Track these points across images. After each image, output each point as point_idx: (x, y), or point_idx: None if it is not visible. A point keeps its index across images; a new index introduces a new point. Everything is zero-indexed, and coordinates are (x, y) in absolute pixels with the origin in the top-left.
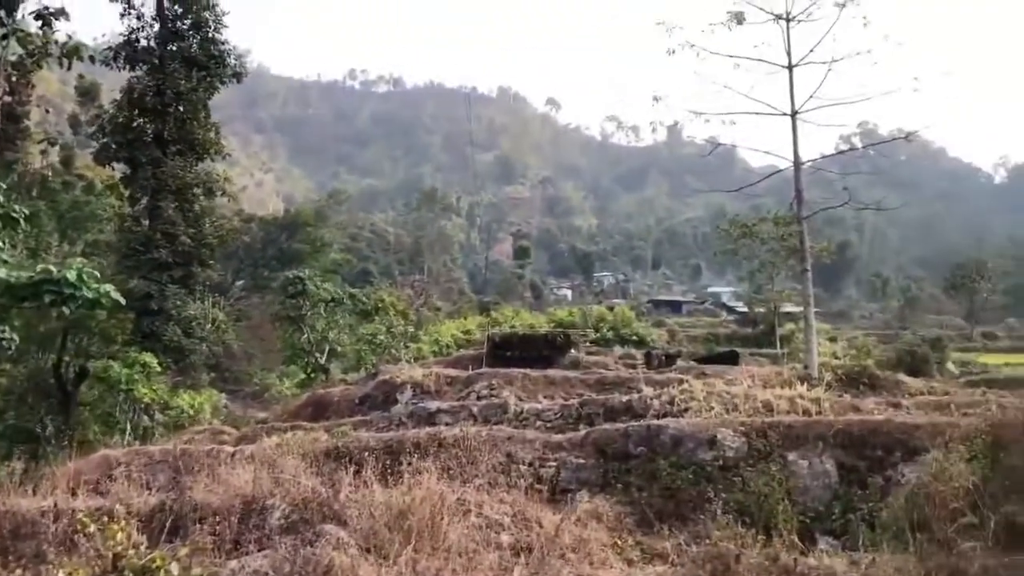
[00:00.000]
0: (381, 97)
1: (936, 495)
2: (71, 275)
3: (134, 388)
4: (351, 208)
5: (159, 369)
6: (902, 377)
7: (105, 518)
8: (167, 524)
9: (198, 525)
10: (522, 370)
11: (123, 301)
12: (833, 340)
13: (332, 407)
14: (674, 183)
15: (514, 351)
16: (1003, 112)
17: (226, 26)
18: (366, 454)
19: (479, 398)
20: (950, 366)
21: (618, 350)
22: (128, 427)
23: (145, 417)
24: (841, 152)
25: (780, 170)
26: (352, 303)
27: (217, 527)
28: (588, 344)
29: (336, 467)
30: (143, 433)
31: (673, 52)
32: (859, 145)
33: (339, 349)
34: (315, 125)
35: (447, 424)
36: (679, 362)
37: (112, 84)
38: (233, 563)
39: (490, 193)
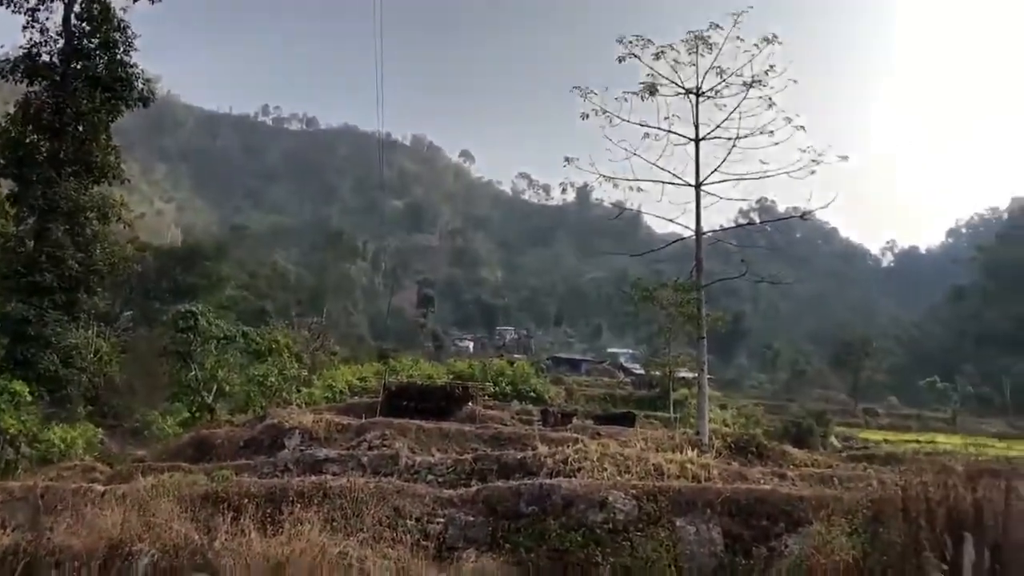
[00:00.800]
0: (293, 135)
1: (818, 567)
2: None
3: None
4: (253, 244)
5: (30, 399)
6: (788, 448)
7: None
8: (19, 568)
9: (55, 570)
10: (417, 421)
11: None
12: (724, 407)
13: (215, 449)
14: (580, 243)
15: (410, 401)
16: (890, 198)
17: (136, 49)
18: (246, 500)
19: (370, 448)
20: (833, 440)
21: (516, 405)
22: None
23: (10, 449)
24: (740, 226)
25: (682, 238)
26: (245, 342)
27: (76, 573)
28: (486, 398)
29: (213, 513)
30: (6, 467)
31: (587, 116)
32: (757, 220)
33: (227, 389)
34: (222, 158)
35: (334, 473)
36: (575, 421)
37: (7, 96)
38: None
39: (398, 239)
